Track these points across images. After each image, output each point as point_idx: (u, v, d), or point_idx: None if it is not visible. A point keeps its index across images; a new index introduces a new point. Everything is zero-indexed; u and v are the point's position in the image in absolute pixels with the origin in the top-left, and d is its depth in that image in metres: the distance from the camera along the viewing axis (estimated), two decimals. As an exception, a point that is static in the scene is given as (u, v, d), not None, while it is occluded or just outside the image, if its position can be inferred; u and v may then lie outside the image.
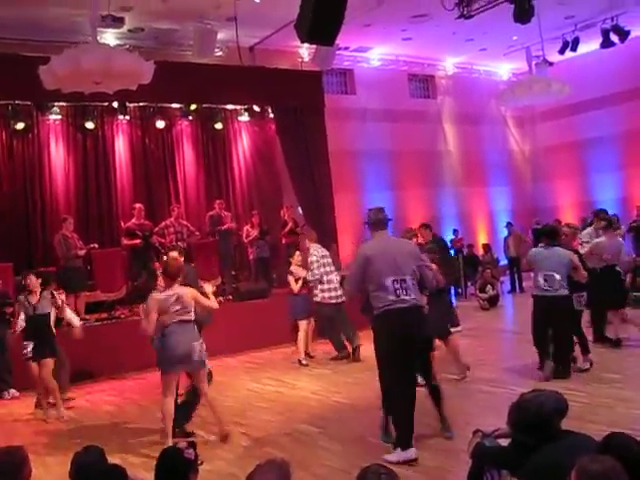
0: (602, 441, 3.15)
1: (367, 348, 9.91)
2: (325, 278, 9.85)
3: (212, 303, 6.52)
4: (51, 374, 7.77)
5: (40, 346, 7.79)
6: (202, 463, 4.60)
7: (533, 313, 7.81)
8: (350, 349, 9.94)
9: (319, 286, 9.83)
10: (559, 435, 3.43)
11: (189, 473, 3.48)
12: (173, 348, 6.08)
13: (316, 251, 9.96)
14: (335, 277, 9.97)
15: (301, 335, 10.04)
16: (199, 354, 6.18)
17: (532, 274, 8.07)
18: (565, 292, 7.56)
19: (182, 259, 6.96)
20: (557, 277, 7.46)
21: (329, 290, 9.83)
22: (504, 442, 3.85)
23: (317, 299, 9.87)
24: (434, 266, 6.24)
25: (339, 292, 9.85)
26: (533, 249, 8.17)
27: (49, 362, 7.80)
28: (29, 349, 7.81)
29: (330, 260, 10.10)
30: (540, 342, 7.70)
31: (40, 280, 8.10)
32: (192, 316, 6.22)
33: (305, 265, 10.08)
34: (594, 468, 2.73)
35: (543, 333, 7.65)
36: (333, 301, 9.84)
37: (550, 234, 7.95)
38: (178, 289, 6.20)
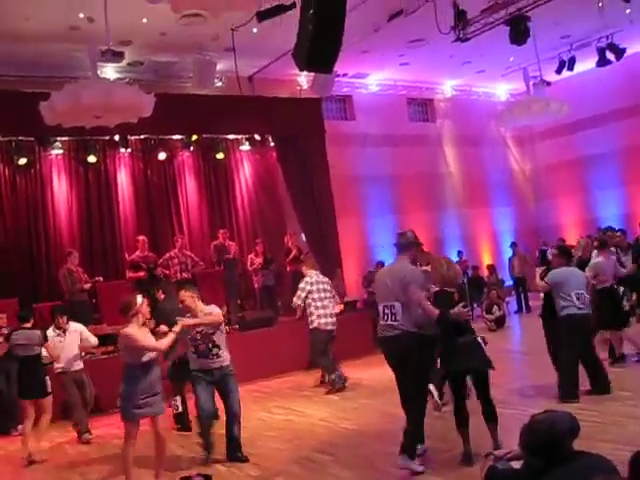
0: (630, 461, 3.10)
1: (371, 376, 9.91)
2: (320, 304, 9.76)
3: (146, 342, 5.76)
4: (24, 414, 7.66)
5: None
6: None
7: (567, 336, 7.46)
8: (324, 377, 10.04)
9: (315, 312, 9.74)
10: (572, 456, 3.38)
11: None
12: None
13: (310, 277, 9.89)
14: (330, 303, 9.86)
15: None
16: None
17: (556, 294, 7.84)
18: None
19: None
20: (587, 295, 7.52)
21: (325, 316, 9.73)
22: (517, 464, 3.79)
23: (313, 325, 9.75)
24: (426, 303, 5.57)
25: (334, 319, 9.84)
26: (556, 270, 7.97)
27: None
28: None
29: (326, 287, 9.96)
30: (573, 371, 7.41)
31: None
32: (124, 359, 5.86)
33: None
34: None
35: (578, 358, 7.43)
36: (329, 327, 9.76)
37: (568, 254, 8.04)
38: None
